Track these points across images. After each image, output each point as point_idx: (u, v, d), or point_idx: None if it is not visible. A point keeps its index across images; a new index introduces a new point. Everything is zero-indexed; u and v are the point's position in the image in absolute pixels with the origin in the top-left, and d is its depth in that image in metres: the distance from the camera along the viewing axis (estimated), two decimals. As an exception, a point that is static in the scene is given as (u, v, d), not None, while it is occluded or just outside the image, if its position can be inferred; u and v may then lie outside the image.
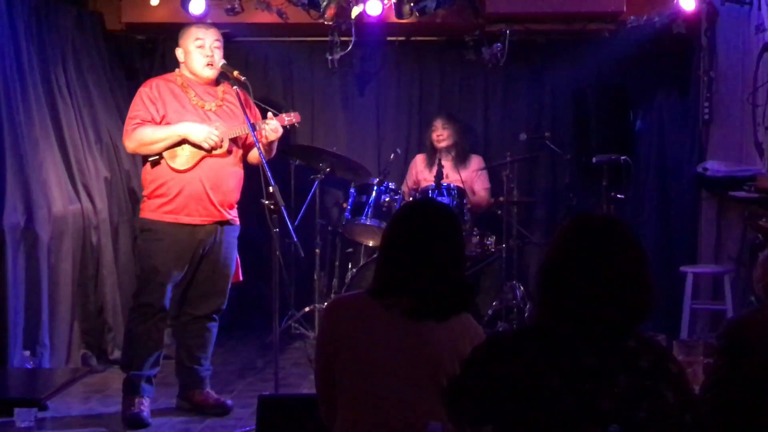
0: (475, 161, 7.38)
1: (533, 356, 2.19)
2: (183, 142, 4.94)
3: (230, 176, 5.10)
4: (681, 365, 2.27)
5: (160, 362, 5.12)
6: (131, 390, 4.99)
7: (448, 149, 7.26)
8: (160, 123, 4.98)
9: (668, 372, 2.20)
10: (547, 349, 2.19)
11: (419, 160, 7.49)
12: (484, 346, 2.35)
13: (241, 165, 5.22)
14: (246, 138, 5.16)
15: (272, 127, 5.11)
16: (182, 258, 5.00)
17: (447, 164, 7.03)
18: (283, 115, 5.26)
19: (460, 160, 7.26)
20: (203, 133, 4.92)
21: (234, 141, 5.10)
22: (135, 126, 4.95)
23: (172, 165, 4.95)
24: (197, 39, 5.08)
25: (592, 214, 2.46)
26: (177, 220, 4.96)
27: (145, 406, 4.97)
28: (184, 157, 4.95)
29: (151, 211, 5.00)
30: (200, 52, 5.07)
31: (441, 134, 7.28)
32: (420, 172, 7.39)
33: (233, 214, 5.16)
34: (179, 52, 5.17)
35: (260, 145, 4.90)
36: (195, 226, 4.99)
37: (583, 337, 2.19)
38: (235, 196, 5.17)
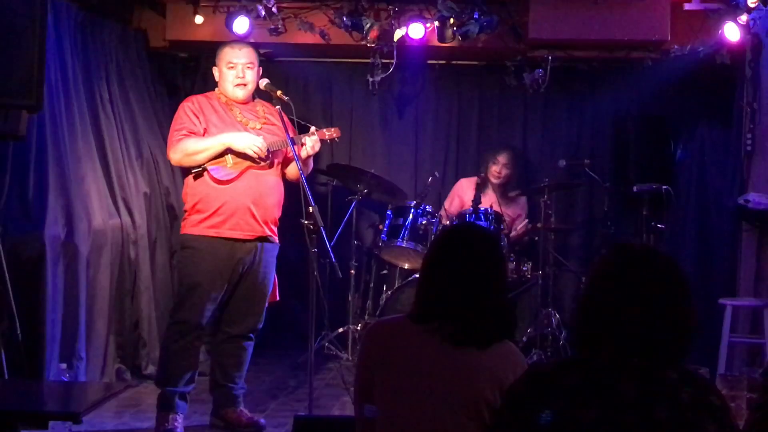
0: (522, 203, 7.38)
1: (571, 388, 2.16)
2: (227, 151, 4.95)
3: (272, 191, 5.11)
4: (724, 399, 2.22)
5: (195, 379, 5.12)
6: (165, 406, 4.99)
7: (499, 184, 7.23)
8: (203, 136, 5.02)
9: (710, 405, 2.14)
10: (586, 380, 2.16)
11: (466, 184, 7.35)
12: (523, 377, 2.32)
13: (282, 181, 5.23)
14: (285, 153, 5.19)
15: (312, 141, 5.13)
16: (222, 276, 5.00)
17: (491, 195, 7.04)
18: (324, 130, 5.30)
19: (506, 196, 7.22)
20: (246, 140, 4.94)
21: (274, 156, 5.11)
22: (180, 138, 4.98)
23: (216, 176, 4.96)
24: (229, 62, 5.13)
25: (633, 244, 2.43)
26: (219, 234, 4.96)
27: (178, 422, 4.97)
28: (227, 168, 4.96)
29: (192, 226, 5.01)
30: (231, 74, 5.12)
31: (501, 172, 7.21)
32: (466, 197, 7.26)
33: (274, 231, 5.17)
34: (215, 72, 5.23)
35: (299, 159, 4.92)
36: (236, 242, 4.98)
37: (622, 368, 2.16)
38: (277, 212, 5.17)
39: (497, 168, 7.19)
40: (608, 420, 2.09)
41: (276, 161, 5.14)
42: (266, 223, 5.07)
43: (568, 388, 2.16)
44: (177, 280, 5.22)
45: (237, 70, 5.12)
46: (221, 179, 4.96)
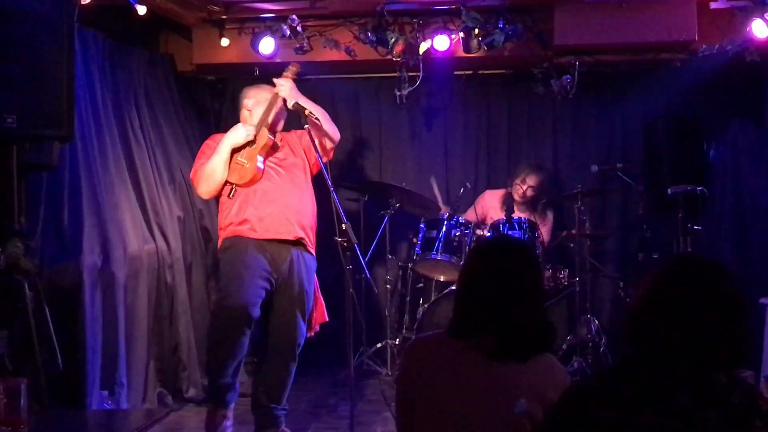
0: (550, 217, 7.29)
1: (622, 398, 2.14)
2: (232, 152, 5.19)
3: (299, 195, 5.28)
4: None
5: (240, 369, 5.18)
6: (215, 398, 5.07)
7: (526, 201, 7.16)
8: None
9: (759, 409, 2.14)
10: (637, 389, 2.14)
11: (489, 196, 7.35)
12: (570, 393, 2.29)
13: (309, 190, 5.37)
14: (309, 164, 5.42)
15: (279, 85, 5.39)
16: (263, 268, 5.07)
17: (521, 213, 7.02)
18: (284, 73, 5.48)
19: (535, 211, 7.15)
20: (242, 132, 5.24)
21: (294, 166, 5.33)
22: (197, 169, 5.29)
23: (235, 181, 5.20)
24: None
25: (696, 256, 2.41)
26: (257, 237, 5.10)
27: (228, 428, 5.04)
28: (237, 172, 5.21)
29: (228, 235, 5.18)
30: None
31: (526, 193, 7.10)
32: (490, 209, 7.26)
33: (310, 238, 5.24)
34: (245, 109, 5.46)
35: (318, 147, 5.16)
36: (271, 242, 5.10)
37: (673, 375, 2.14)
38: (309, 217, 5.29)
39: (523, 188, 7.11)
40: (662, 427, 2.07)
41: (296, 171, 5.34)
42: (301, 227, 5.16)
43: (617, 397, 2.14)
44: (220, 277, 5.23)
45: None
46: (241, 183, 5.20)
